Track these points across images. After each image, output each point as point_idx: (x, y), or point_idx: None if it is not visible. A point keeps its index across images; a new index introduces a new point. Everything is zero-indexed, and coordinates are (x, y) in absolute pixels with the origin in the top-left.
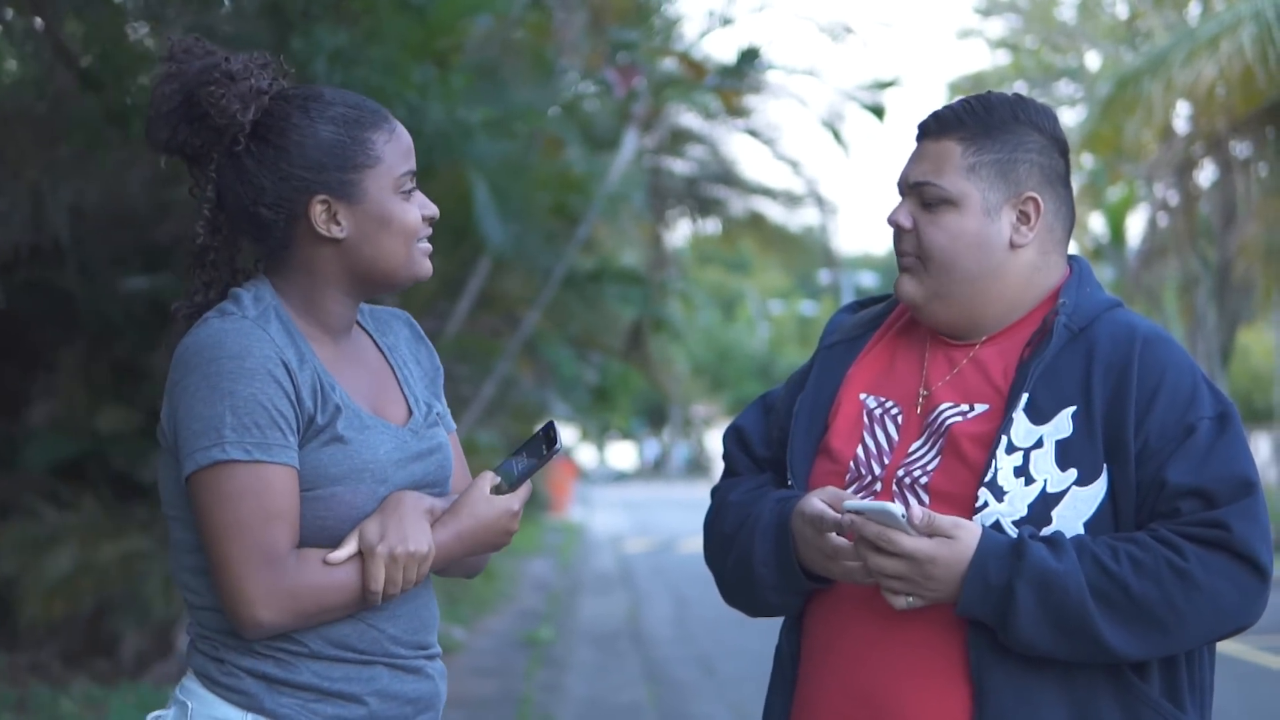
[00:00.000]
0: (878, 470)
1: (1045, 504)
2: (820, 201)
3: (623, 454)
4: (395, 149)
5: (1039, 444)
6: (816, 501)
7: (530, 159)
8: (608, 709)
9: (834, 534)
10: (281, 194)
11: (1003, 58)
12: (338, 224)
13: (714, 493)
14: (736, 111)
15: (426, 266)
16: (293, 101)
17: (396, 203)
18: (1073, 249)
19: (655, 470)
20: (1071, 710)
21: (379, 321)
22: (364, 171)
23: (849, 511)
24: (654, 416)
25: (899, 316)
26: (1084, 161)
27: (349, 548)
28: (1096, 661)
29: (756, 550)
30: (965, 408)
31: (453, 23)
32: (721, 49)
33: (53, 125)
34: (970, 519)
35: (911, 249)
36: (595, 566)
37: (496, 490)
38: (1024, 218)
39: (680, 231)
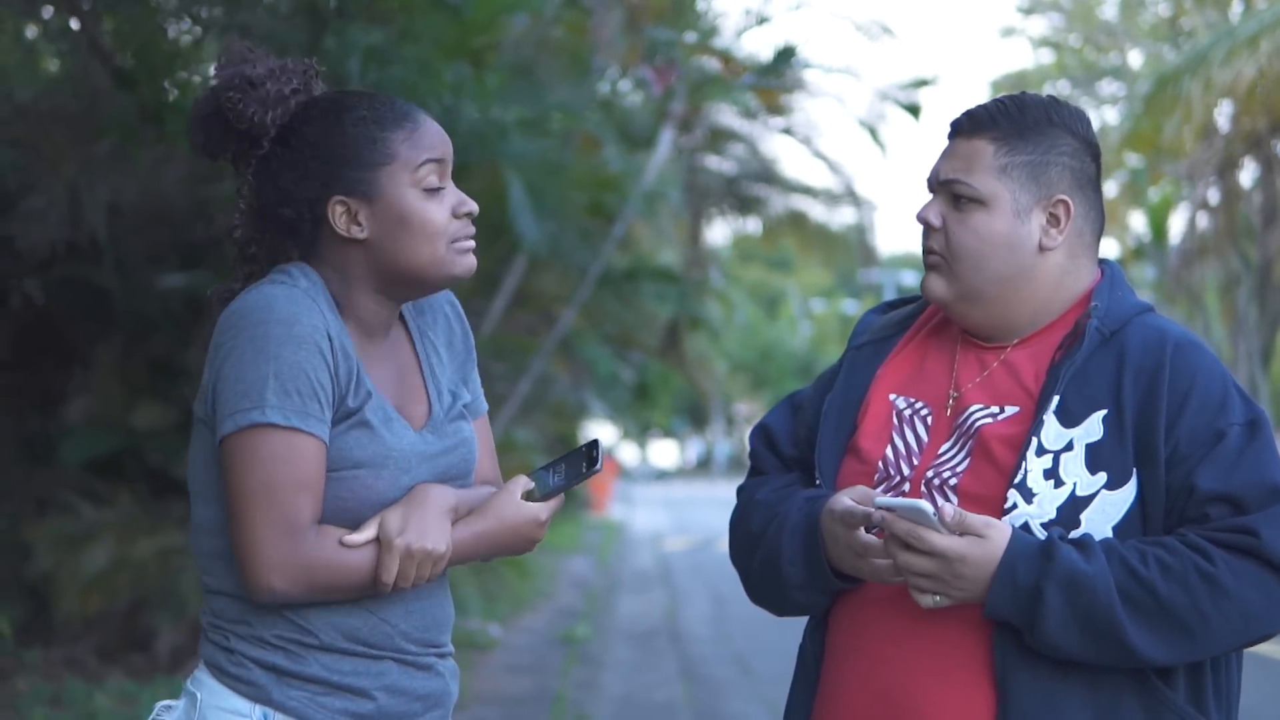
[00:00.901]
0: (906, 471)
1: (1074, 507)
2: (860, 200)
3: (665, 452)
4: (413, 145)
5: (1069, 447)
6: (846, 499)
7: (566, 158)
8: (643, 707)
9: (863, 531)
10: (303, 194)
11: (1046, 56)
12: (358, 224)
13: (740, 492)
14: (775, 110)
15: (465, 264)
16: (318, 105)
17: (415, 200)
18: (1115, 249)
19: (698, 469)
20: (1096, 714)
21: (418, 308)
22: (377, 169)
23: (880, 508)
24: (696, 415)
25: (930, 318)
26: (1127, 160)
27: (367, 533)
28: (1122, 665)
29: (785, 549)
30: (995, 410)
31: (489, 21)
32: (759, 47)
33: (89, 123)
34: (999, 519)
35: (939, 247)
36: (634, 565)
37: (528, 497)
38: (1054, 220)
39: (721, 230)
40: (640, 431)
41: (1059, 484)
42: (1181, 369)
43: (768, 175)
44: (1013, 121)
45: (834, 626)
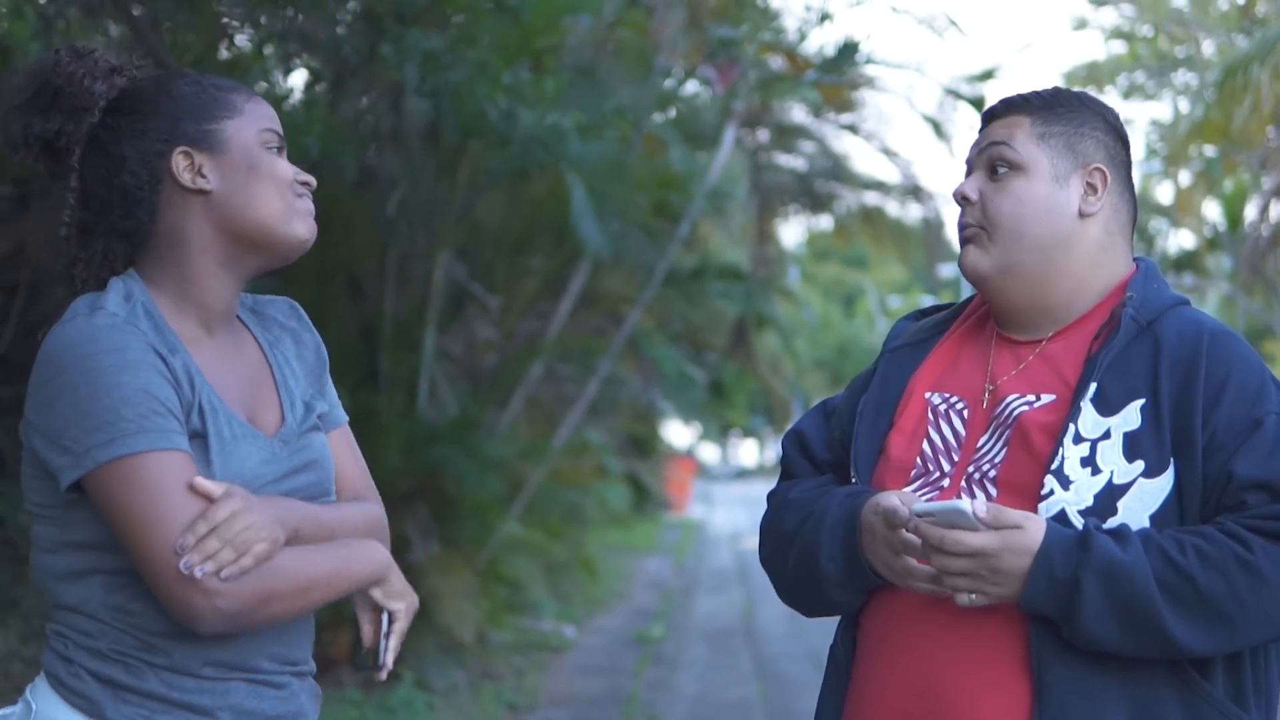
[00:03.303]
0: (946, 466)
1: (1111, 495)
2: (929, 195)
3: (745, 451)
4: (257, 108)
5: (1106, 435)
6: (892, 497)
7: (630, 158)
8: (716, 706)
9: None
10: (143, 155)
11: (1118, 47)
12: (203, 176)
13: (771, 496)
14: (840, 106)
15: (308, 226)
16: (145, 78)
17: (263, 153)
18: (1190, 239)
19: (777, 467)
20: (1133, 708)
21: (260, 315)
22: (223, 121)
23: (918, 515)
24: (778, 413)
25: (965, 319)
26: (1201, 150)
27: (217, 488)
28: (1161, 656)
29: (823, 544)
30: (1032, 397)
31: (549, 23)
32: (822, 44)
33: None
34: (1037, 507)
35: (976, 219)
36: (712, 564)
37: (359, 663)
38: (1091, 189)
39: (795, 228)
40: (719, 431)
41: (1096, 471)
42: (1218, 358)
43: (838, 172)
44: (1046, 101)
45: (867, 624)
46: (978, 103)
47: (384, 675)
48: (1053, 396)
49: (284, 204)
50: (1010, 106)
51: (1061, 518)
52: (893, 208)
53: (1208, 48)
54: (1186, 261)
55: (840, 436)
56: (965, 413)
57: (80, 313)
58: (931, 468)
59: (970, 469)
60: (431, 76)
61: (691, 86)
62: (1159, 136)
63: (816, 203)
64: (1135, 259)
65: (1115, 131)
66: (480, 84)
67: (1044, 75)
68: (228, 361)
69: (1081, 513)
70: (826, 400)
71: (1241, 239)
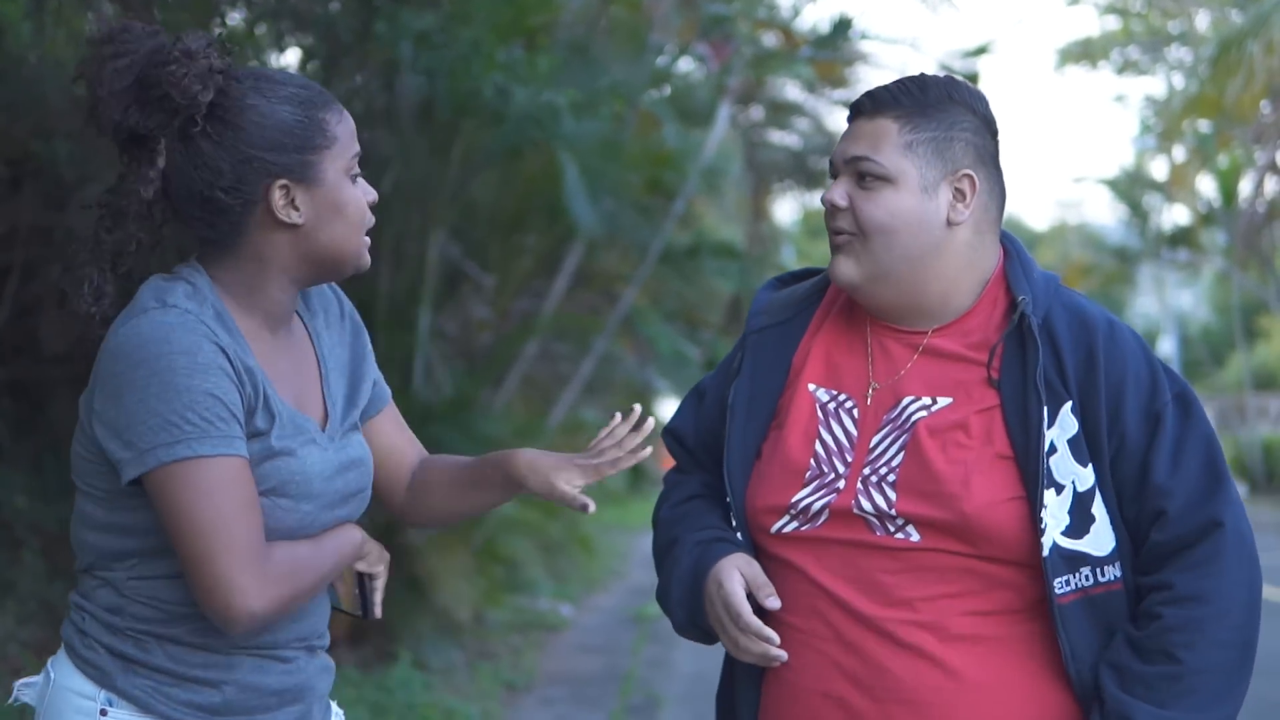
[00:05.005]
0: (840, 468)
1: (1082, 505)
2: None
3: None
4: (345, 130)
5: (1053, 449)
6: (739, 596)
7: (623, 136)
8: (713, 684)
9: (746, 615)
10: (241, 177)
11: (1112, 22)
12: (296, 209)
13: (665, 480)
14: (835, 82)
15: (368, 256)
16: (245, 81)
17: (348, 187)
18: (1184, 215)
19: None
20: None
21: (308, 302)
22: (321, 153)
23: None
24: None
25: (835, 297)
26: (1194, 124)
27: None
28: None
29: (673, 591)
30: (928, 401)
31: (543, 1)
32: (816, 19)
33: None
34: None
35: (848, 225)
36: None
37: (337, 604)
38: (960, 195)
39: (789, 205)
40: None
41: (1060, 489)
42: (1114, 357)
43: (832, 149)
44: (915, 100)
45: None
46: (973, 78)
47: (379, 614)
48: (949, 399)
49: (358, 239)
50: (878, 106)
51: (1056, 549)
52: None
53: (1202, 22)
54: (1181, 237)
55: (710, 425)
56: (855, 411)
57: (151, 307)
58: (825, 469)
59: (866, 470)
60: (425, 55)
61: (685, 64)
62: (1153, 112)
63: (811, 179)
64: (1001, 236)
65: (985, 123)
66: (474, 62)
67: (1039, 51)
68: (286, 356)
69: (1065, 533)
70: (699, 384)
71: (1236, 214)
